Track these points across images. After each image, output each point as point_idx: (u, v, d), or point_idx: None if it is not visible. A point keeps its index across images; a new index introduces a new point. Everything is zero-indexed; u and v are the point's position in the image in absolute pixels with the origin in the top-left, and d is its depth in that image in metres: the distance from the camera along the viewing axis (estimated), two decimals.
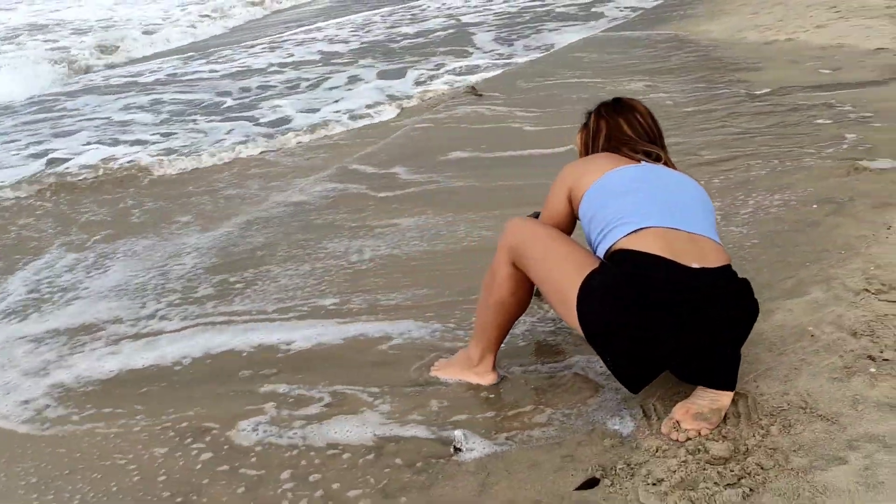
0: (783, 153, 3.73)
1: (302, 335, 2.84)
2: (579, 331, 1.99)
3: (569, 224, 2.31)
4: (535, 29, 10.18)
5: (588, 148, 2.40)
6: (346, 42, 10.75)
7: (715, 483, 1.77)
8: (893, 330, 2.20)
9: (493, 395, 2.30)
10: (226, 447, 2.24)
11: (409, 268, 3.31)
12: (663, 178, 2.18)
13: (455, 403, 2.29)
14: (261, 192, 4.69)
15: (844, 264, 2.60)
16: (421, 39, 10.46)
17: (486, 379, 2.35)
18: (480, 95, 6.23)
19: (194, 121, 6.83)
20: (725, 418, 1.97)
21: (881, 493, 1.66)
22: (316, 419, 2.31)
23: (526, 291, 2.24)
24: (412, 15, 12.94)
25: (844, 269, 2.57)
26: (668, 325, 1.87)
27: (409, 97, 7.00)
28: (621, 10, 10.54)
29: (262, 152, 5.62)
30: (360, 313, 2.94)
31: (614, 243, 2.03)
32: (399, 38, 10.63)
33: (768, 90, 4.91)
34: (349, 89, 7.61)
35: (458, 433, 2.11)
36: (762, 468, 1.80)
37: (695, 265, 1.91)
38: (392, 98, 7.04)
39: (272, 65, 9.33)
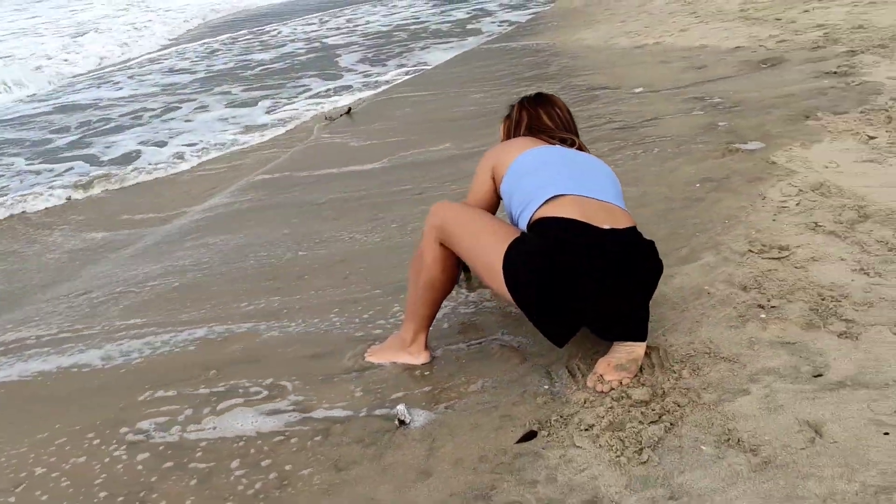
0: (665, 141, 4.06)
1: (235, 336, 2.92)
2: (507, 296, 2.17)
3: (493, 204, 2.50)
4: (406, 48, 10.47)
5: (510, 134, 2.62)
6: (192, 72, 10.84)
7: (640, 422, 1.98)
8: (777, 282, 2.49)
9: (427, 372, 2.44)
10: (172, 447, 2.29)
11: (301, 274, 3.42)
12: (575, 157, 2.40)
13: (393, 382, 2.41)
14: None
15: (729, 231, 2.89)
16: (278, 65, 10.61)
17: (420, 358, 2.49)
18: (337, 116, 6.51)
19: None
20: (642, 368, 2.19)
21: (781, 415, 1.90)
22: (260, 412, 2.39)
23: (454, 268, 2.40)
24: (262, 41, 13.07)
25: (729, 236, 2.86)
26: (586, 281, 2.07)
27: (262, 125, 7.21)
28: (498, 25, 10.96)
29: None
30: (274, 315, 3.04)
31: (533, 213, 2.24)
32: (254, 65, 10.78)
33: (642, 88, 5.30)
34: (189, 121, 7.75)
35: (400, 407, 2.24)
36: (679, 405, 2.01)
37: (606, 226, 2.13)
38: (246, 128, 7.22)
39: (109, 98, 9.35)
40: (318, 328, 2.87)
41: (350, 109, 6.85)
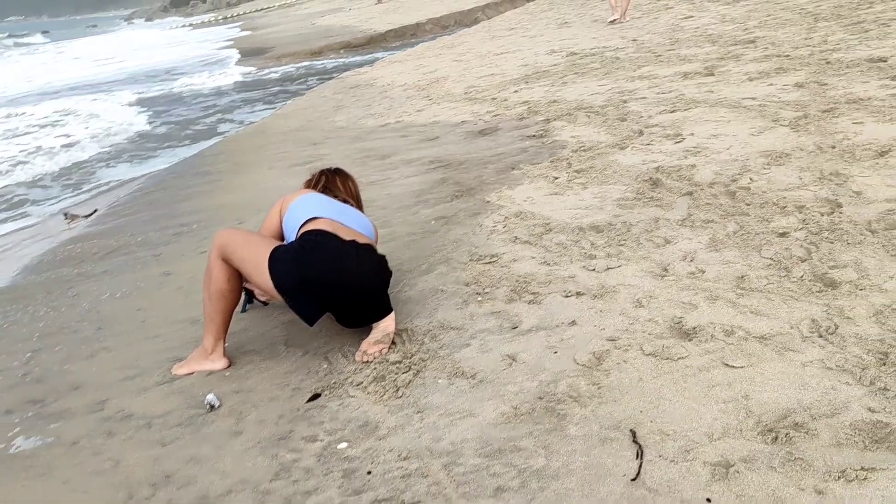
0: (407, 194, 4.94)
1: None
2: (272, 289, 2.83)
3: (277, 234, 3.19)
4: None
5: (311, 186, 3.37)
6: None
7: (395, 374, 2.70)
8: (488, 277, 3.35)
9: (228, 374, 3.01)
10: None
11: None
12: (342, 204, 3.21)
13: (200, 384, 2.95)
14: None
15: (456, 250, 3.76)
16: None
17: (220, 363, 3.05)
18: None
19: None
20: (394, 343, 2.92)
21: (490, 353, 2.71)
22: (92, 420, 2.83)
23: (237, 280, 3.01)
24: None
25: (457, 253, 3.72)
26: (332, 272, 2.80)
27: None
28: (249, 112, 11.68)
29: None
30: None
31: (297, 231, 2.96)
32: None
33: (388, 155, 6.22)
34: None
35: (210, 395, 2.80)
36: (422, 360, 2.77)
37: (348, 238, 2.90)
38: None
39: None
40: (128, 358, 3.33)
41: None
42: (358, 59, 18.10)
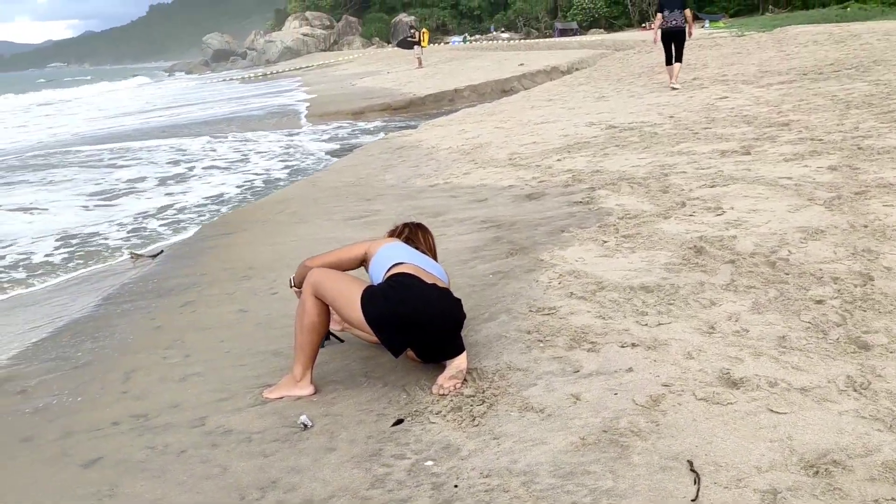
0: (463, 250, 5.33)
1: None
2: (363, 323, 3.20)
3: (351, 267, 3.61)
4: None
5: (394, 236, 3.80)
6: None
7: (470, 405, 3.03)
8: (548, 327, 3.69)
9: (315, 399, 3.36)
10: None
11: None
12: (422, 254, 3.60)
13: (291, 407, 3.30)
14: None
15: (515, 302, 4.11)
16: None
17: (307, 390, 3.41)
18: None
19: None
20: (466, 380, 3.26)
21: (555, 392, 3.04)
22: (194, 434, 3.18)
23: (327, 315, 3.40)
24: None
25: (516, 304, 4.07)
26: (417, 310, 3.17)
27: None
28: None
29: None
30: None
31: (384, 274, 3.35)
32: None
33: (441, 214, 6.63)
34: None
35: (303, 417, 3.14)
36: (494, 395, 3.10)
37: (430, 282, 3.28)
38: None
39: None
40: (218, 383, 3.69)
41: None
42: (399, 121, 18.79)
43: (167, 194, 11.24)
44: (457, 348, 3.31)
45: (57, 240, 8.70)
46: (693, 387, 2.93)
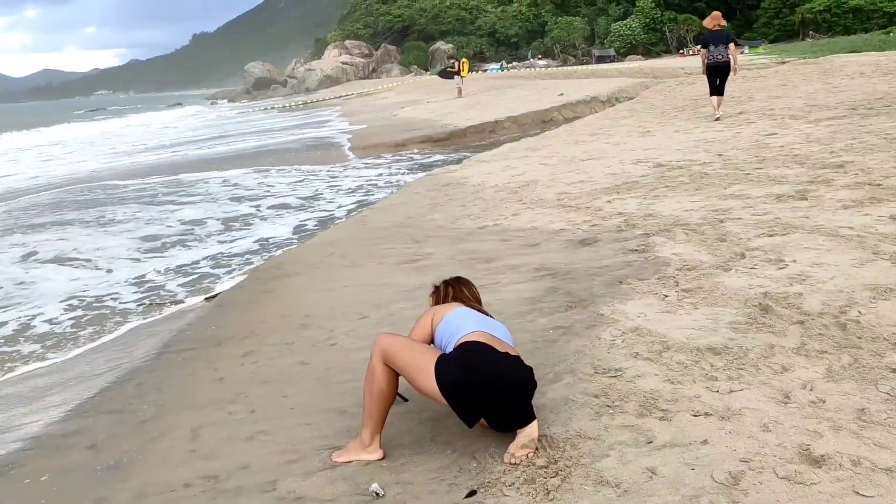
0: (520, 302, 5.32)
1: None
2: (435, 392, 3.20)
3: (425, 341, 3.58)
4: None
5: (440, 300, 3.78)
6: None
7: (543, 477, 3.01)
8: (616, 391, 3.66)
9: (384, 464, 3.36)
10: None
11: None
12: (484, 316, 3.63)
13: (360, 472, 3.31)
14: None
15: (579, 361, 4.08)
16: None
17: (375, 455, 3.42)
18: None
19: None
20: (537, 449, 3.24)
21: (630, 465, 3.01)
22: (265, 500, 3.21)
23: (395, 381, 3.41)
24: None
25: (580, 364, 4.04)
26: (493, 379, 3.17)
27: None
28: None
29: None
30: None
31: (456, 342, 3.35)
32: None
33: (492, 259, 6.64)
34: None
35: (374, 485, 3.15)
36: (566, 466, 3.07)
37: (502, 350, 3.28)
38: None
39: None
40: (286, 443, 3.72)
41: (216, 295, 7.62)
42: (439, 155, 18.91)
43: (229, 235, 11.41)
44: (528, 416, 3.30)
45: (125, 284, 8.89)
46: (773, 463, 2.88)
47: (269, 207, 13.48)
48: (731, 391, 3.49)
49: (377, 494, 3.11)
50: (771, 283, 4.83)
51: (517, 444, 3.24)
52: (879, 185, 7.11)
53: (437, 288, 3.97)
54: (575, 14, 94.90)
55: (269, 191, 15.45)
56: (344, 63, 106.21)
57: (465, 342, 3.35)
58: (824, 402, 3.29)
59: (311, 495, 3.19)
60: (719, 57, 14.44)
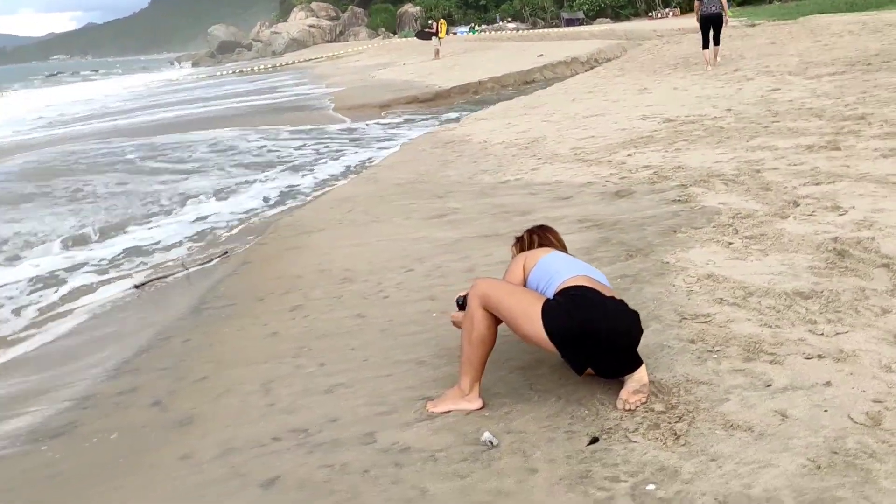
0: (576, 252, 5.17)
1: None
2: (541, 338, 3.05)
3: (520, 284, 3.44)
4: None
5: (526, 247, 3.62)
6: None
7: (667, 422, 2.90)
8: (711, 336, 3.54)
9: (487, 413, 3.22)
10: None
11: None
12: (576, 258, 3.50)
13: (465, 421, 3.17)
14: None
15: (660, 308, 3.95)
16: None
17: (476, 404, 3.27)
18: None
19: None
20: (650, 395, 3.12)
21: (756, 409, 2.90)
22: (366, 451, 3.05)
23: (495, 327, 3.25)
24: None
25: (662, 311, 3.91)
26: (604, 325, 3.03)
27: None
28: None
29: None
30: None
31: (558, 286, 3.19)
32: None
33: (528, 212, 6.48)
34: None
35: (486, 434, 3.00)
36: (688, 411, 2.96)
37: (608, 294, 3.14)
38: None
39: None
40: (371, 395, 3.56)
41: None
42: (428, 114, 18.64)
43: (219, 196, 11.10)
44: (635, 361, 3.17)
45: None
46: None
47: (267, 167, 13.12)
48: (837, 333, 3.40)
49: (491, 443, 2.97)
50: (836, 228, 4.74)
51: (629, 389, 3.11)
52: None
53: (520, 238, 3.80)
54: None
55: (265, 150, 15.06)
56: (311, 26, 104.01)
57: (569, 286, 3.19)
58: None
59: (418, 446, 3.04)
60: (712, 8, 15.40)
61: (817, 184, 5.85)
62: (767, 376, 3.13)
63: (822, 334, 3.41)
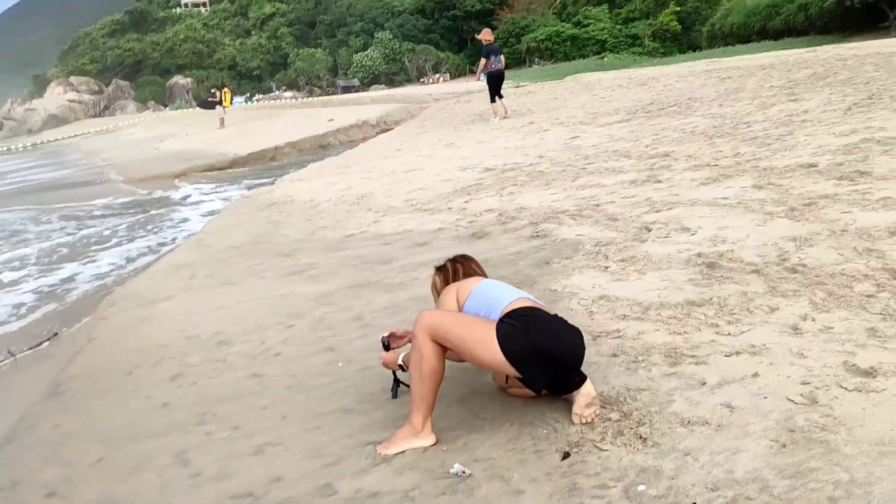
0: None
1: None
2: (499, 362, 3.07)
3: None
4: None
5: (450, 279, 3.61)
6: None
7: (630, 428, 2.99)
8: (632, 349, 3.73)
9: (444, 448, 3.15)
10: None
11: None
12: (504, 284, 3.53)
13: (424, 458, 3.08)
14: None
15: None
16: None
17: (430, 440, 3.20)
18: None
19: None
20: (600, 407, 3.21)
21: (701, 406, 3.08)
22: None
23: (443, 359, 3.22)
24: None
25: None
26: (560, 343, 3.12)
27: None
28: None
29: None
30: None
31: (502, 311, 3.23)
32: None
33: (390, 261, 6.48)
34: None
35: (456, 465, 2.94)
36: (643, 416, 3.08)
37: (552, 314, 3.25)
38: None
39: None
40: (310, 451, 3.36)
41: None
42: (228, 182, 18.14)
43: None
44: (582, 377, 3.26)
45: None
46: (833, 381, 3.09)
47: (67, 247, 12.07)
48: (742, 332, 3.70)
49: (464, 473, 2.91)
50: (695, 245, 5.18)
51: (580, 403, 3.19)
52: (717, 165, 7.89)
53: (441, 267, 3.80)
54: (316, 46, 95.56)
55: (58, 231, 13.84)
56: (71, 101, 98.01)
57: (515, 309, 3.25)
58: (832, 328, 3.58)
59: (387, 489, 2.92)
60: (499, 65, 17.18)
61: (657, 211, 6.36)
62: (699, 376, 3.33)
63: (729, 334, 3.70)
